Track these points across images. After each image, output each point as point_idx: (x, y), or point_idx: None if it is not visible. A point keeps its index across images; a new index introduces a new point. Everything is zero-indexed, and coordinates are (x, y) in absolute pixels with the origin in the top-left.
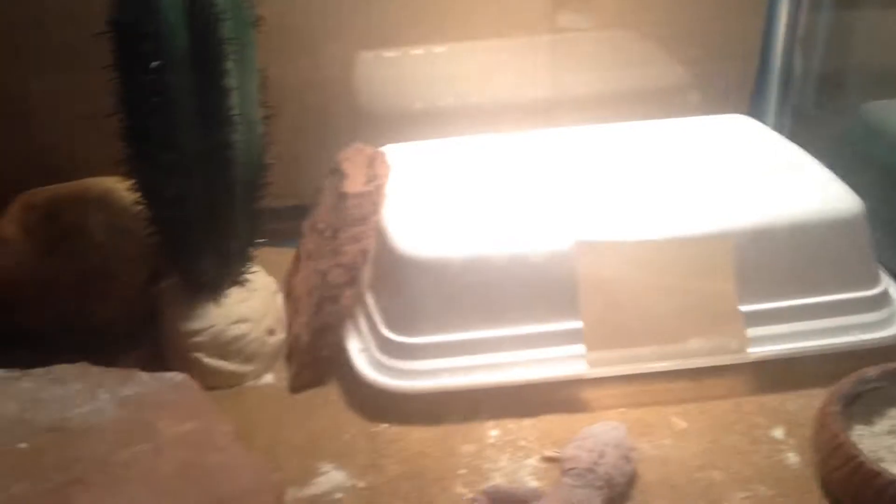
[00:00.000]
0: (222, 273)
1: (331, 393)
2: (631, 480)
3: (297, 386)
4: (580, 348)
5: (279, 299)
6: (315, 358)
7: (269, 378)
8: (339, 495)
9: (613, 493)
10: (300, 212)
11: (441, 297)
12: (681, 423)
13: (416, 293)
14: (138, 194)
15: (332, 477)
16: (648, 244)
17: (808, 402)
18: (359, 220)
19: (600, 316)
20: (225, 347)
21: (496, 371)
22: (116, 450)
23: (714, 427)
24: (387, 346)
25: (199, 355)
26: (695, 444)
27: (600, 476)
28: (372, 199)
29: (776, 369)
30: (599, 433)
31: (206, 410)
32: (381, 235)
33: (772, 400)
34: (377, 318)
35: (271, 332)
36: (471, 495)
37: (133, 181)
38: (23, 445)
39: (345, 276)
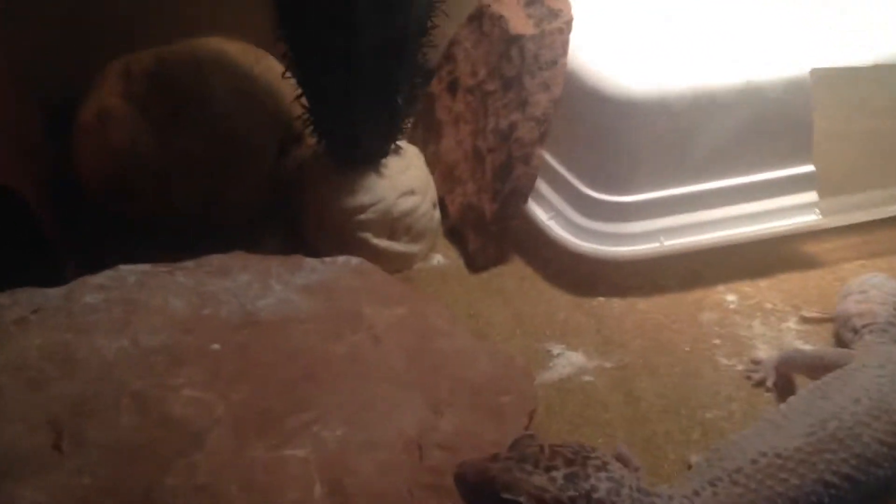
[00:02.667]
0: (383, 138)
1: (521, 268)
2: None
3: (481, 263)
4: (811, 196)
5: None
6: (502, 228)
7: (438, 258)
8: (587, 378)
9: None
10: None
11: (660, 144)
12: None
13: (631, 142)
14: (289, 55)
15: (569, 359)
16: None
17: None
18: (548, 63)
19: (835, 157)
20: (394, 225)
21: (721, 228)
22: (329, 342)
23: None
24: (592, 209)
25: (366, 235)
26: None
27: None
28: (561, 38)
29: None
30: (878, 284)
31: (409, 294)
32: (577, 78)
33: None
34: (572, 177)
35: (435, 204)
36: (743, 367)
37: (286, 39)
38: (216, 346)
39: (536, 132)
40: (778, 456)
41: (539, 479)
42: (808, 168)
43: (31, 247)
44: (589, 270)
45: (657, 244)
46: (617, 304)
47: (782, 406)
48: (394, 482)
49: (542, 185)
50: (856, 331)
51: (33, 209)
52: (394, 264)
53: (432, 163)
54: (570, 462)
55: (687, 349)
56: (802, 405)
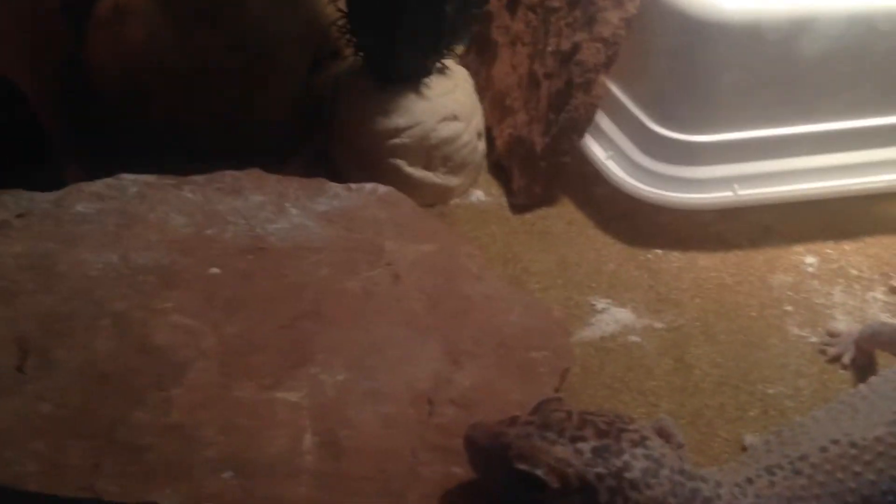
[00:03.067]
0: (427, 54)
1: (569, 211)
2: None
3: (526, 203)
4: None
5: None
6: (552, 165)
7: (479, 195)
8: (634, 338)
9: None
10: None
11: (746, 77)
12: None
13: (713, 72)
14: None
15: (614, 315)
16: None
17: None
18: None
19: None
20: (431, 152)
21: (807, 179)
22: (342, 277)
23: None
24: (659, 148)
25: (399, 162)
26: None
27: None
28: None
29: None
30: None
31: (440, 231)
32: None
33: None
34: (639, 110)
35: (480, 135)
36: (817, 339)
37: None
38: (215, 270)
39: (601, 55)
40: (853, 445)
41: (562, 451)
42: None
43: (29, 145)
44: (647, 219)
45: (730, 193)
46: (676, 258)
47: (862, 387)
48: (396, 439)
49: (602, 119)
50: None
51: (32, 104)
52: (428, 197)
53: (483, 89)
54: (601, 434)
55: (753, 314)
56: (887, 388)
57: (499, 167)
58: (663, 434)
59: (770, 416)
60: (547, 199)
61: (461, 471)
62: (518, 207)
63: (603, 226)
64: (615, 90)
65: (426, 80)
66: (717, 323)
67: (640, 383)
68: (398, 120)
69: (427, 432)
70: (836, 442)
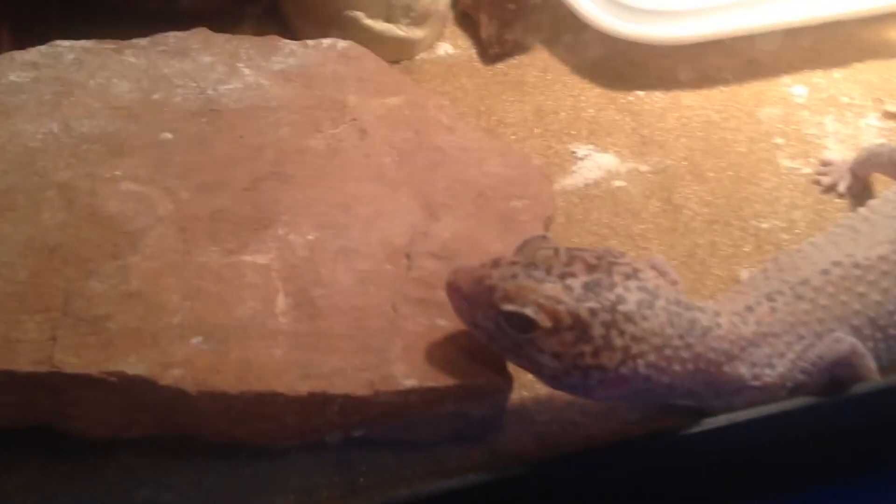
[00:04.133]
0: None
1: (544, 57)
2: None
3: (496, 52)
4: None
5: None
6: (520, 8)
7: (446, 47)
8: (619, 183)
9: None
10: None
11: None
12: None
13: None
14: None
15: (597, 161)
16: None
17: None
18: None
19: None
20: (391, 3)
21: (788, 5)
22: (303, 135)
23: None
24: None
25: (357, 14)
26: None
27: None
28: None
29: None
30: None
31: (403, 82)
32: None
33: None
34: None
35: None
36: (810, 169)
37: None
38: (167, 136)
39: None
40: (856, 266)
41: (551, 288)
42: None
43: None
44: (627, 60)
45: (713, 25)
46: (659, 98)
47: (861, 209)
48: (374, 296)
49: None
50: None
51: None
52: (391, 52)
53: None
54: (591, 268)
55: (742, 150)
56: (888, 207)
57: (467, 18)
58: (656, 270)
59: (765, 251)
60: (519, 47)
61: (446, 322)
62: (489, 58)
63: (580, 71)
64: None
65: None
66: (705, 161)
67: (627, 228)
68: None
69: (406, 286)
70: (838, 264)
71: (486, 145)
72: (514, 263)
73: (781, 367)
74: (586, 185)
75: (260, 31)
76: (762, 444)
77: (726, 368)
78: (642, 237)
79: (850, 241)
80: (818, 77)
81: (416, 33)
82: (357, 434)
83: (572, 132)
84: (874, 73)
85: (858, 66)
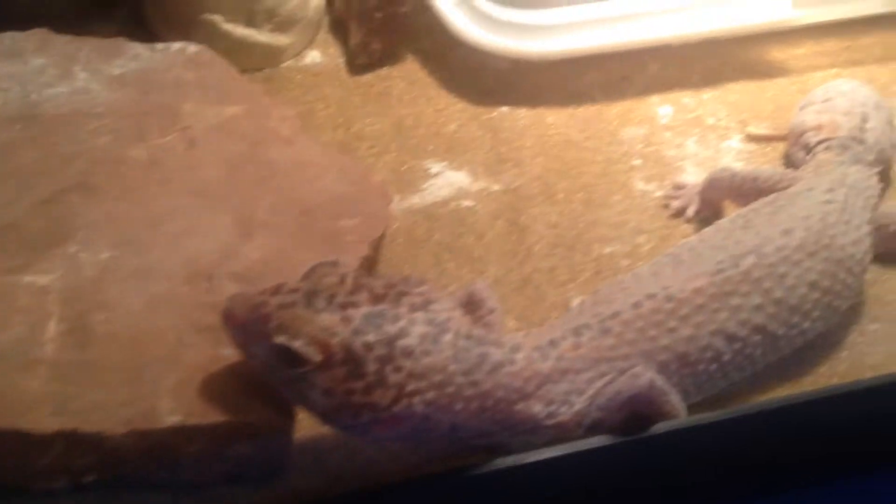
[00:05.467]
0: None
1: (413, 69)
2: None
3: (364, 62)
4: None
5: None
6: (388, 17)
7: (314, 56)
8: (467, 203)
9: (882, 168)
10: None
11: None
12: None
13: None
14: None
15: (449, 179)
16: None
17: None
18: None
19: None
20: (252, 6)
21: (661, 22)
22: (125, 144)
23: None
24: None
25: (215, 18)
26: None
27: (870, 146)
28: None
29: None
30: (847, 91)
31: (250, 91)
32: None
33: None
34: None
35: None
36: (662, 192)
37: None
38: None
39: None
40: (669, 299)
41: (328, 319)
42: None
43: None
44: (497, 74)
45: (581, 40)
46: (523, 115)
47: (693, 238)
48: (161, 321)
49: None
50: (809, 148)
51: None
52: (254, 59)
53: None
54: (377, 298)
55: (598, 171)
56: (717, 237)
57: (339, 24)
58: (472, 299)
59: (603, 278)
60: (388, 57)
61: (232, 352)
62: (357, 68)
63: (448, 84)
64: None
65: None
66: (559, 182)
67: (469, 249)
68: None
69: (197, 312)
70: (652, 296)
71: (325, 160)
72: (294, 291)
73: (579, 404)
74: (434, 204)
75: (123, 34)
76: (554, 484)
77: (518, 407)
78: (481, 260)
79: (671, 271)
80: (687, 97)
81: (280, 40)
82: (124, 473)
83: (430, 148)
84: (745, 93)
85: (730, 86)
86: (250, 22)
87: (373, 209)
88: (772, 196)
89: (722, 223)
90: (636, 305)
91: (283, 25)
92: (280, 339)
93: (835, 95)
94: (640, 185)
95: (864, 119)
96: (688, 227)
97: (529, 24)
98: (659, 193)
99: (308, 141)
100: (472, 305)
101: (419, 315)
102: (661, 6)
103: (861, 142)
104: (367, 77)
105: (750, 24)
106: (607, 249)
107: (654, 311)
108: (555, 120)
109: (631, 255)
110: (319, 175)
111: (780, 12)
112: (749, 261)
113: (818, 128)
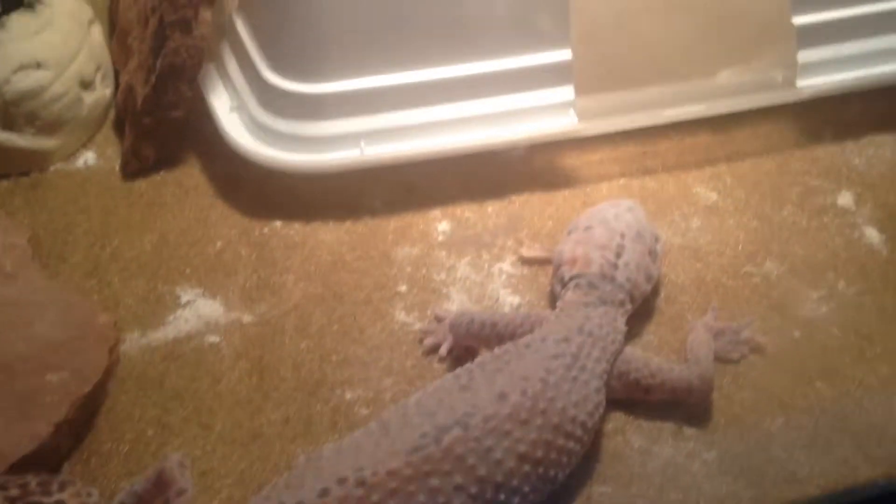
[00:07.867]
0: None
1: (189, 176)
2: (657, 286)
3: (134, 168)
4: (566, 92)
5: (97, 34)
6: (159, 121)
7: (88, 157)
8: (212, 338)
9: (636, 305)
10: None
11: (364, 13)
12: (709, 195)
13: (323, 7)
14: None
15: (198, 309)
16: None
17: (878, 152)
18: None
19: (597, 45)
20: (8, 109)
21: (442, 131)
22: None
23: (756, 197)
24: (274, 99)
25: None
26: (733, 224)
27: (621, 284)
28: None
29: (829, 110)
30: (609, 218)
31: None
32: None
33: (828, 154)
34: (256, 55)
35: (87, 84)
36: (421, 325)
37: None
38: None
39: None
40: (360, 484)
41: None
42: (564, 55)
43: None
44: (276, 184)
45: (357, 152)
46: (295, 231)
47: (412, 398)
48: None
49: (230, 64)
50: (564, 282)
51: None
52: (16, 164)
53: (113, 24)
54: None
55: (361, 298)
56: (432, 400)
57: (120, 123)
58: (163, 477)
59: (339, 430)
60: (164, 162)
61: None
62: (130, 174)
63: (224, 194)
64: (240, 28)
65: (5, 18)
66: (316, 311)
67: (200, 397)
68: None
69: None
70: (343, 481)
71: (47, 298)
72: None
73: None
74: (175, 340)
75: None
76: None
77: None
78: (210, 411)
79: (373, 444)
80: (470, 211)
81: (45, 143)
82: None
83: (187, 271)
84: (531, 206)
85: (518, 197)
86: (7, 125)
87: (88, 358)
88: (505, 346)
89: (445, 380)
90: (323, 493)
91: (47, 128)
92: None
93: (596, 224)
94: (400, 316)
95: (619, 254)
96: (440, 367)
97: (305, 136)
98: (417, 326)
99: (33, 274)
100: (161, 485)
101: None
102: (444, 116)
103: (611, 280)
104: (139, 183)
105: (535, 133)
106: (349, 395)
107: (343, 499)
108: (328, 237)
109: (373, 401)
110: (35, 318)
111: (564, 123)
112: (453, 434)
113: (572, 262)
